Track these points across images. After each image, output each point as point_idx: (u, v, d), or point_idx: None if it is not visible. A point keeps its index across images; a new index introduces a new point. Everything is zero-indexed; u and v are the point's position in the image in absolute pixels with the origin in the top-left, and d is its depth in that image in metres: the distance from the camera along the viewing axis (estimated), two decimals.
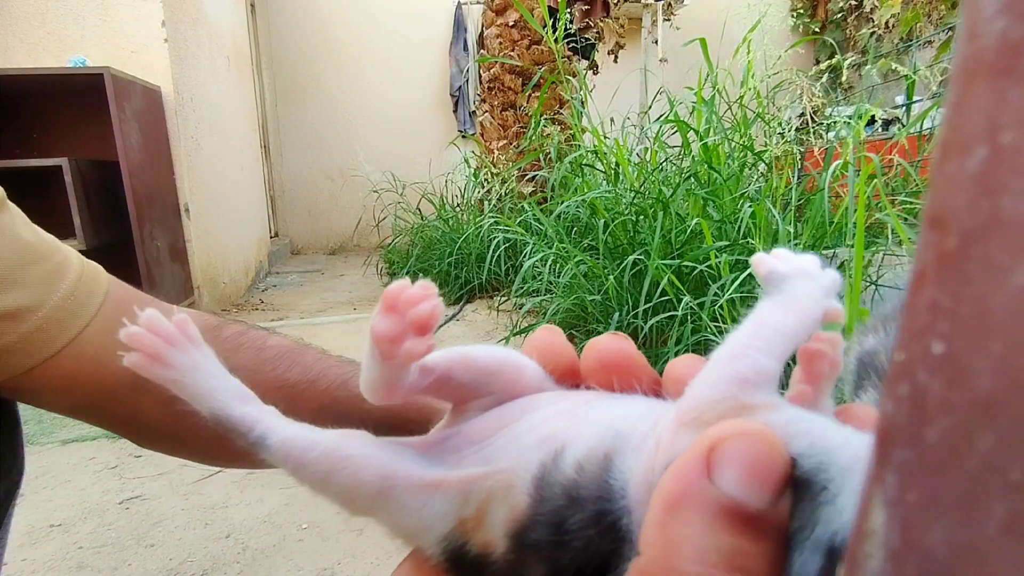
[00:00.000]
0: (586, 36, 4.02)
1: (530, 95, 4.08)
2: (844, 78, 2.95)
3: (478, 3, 5.18)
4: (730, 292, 1.61)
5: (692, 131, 2.18)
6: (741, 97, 2.23)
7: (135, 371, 0.26)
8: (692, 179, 2.11)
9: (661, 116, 2.37)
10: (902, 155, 2.00)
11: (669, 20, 4.90)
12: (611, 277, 2.05)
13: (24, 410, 0.53)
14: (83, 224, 2.39)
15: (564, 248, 2.38)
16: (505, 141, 4.18)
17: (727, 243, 1.84)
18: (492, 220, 3.29)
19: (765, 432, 0.16)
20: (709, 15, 4.62)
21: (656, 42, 4.79)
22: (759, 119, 2.21)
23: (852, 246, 1.28)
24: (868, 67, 2.58)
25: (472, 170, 3.94)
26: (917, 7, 4.01)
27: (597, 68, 4.26)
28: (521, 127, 4.11)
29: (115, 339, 0.42)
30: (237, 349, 0.51)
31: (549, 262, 2.37)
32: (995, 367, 0.09)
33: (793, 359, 0.23)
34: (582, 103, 2.78)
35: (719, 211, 2.04)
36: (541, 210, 2.78)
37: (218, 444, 0.46)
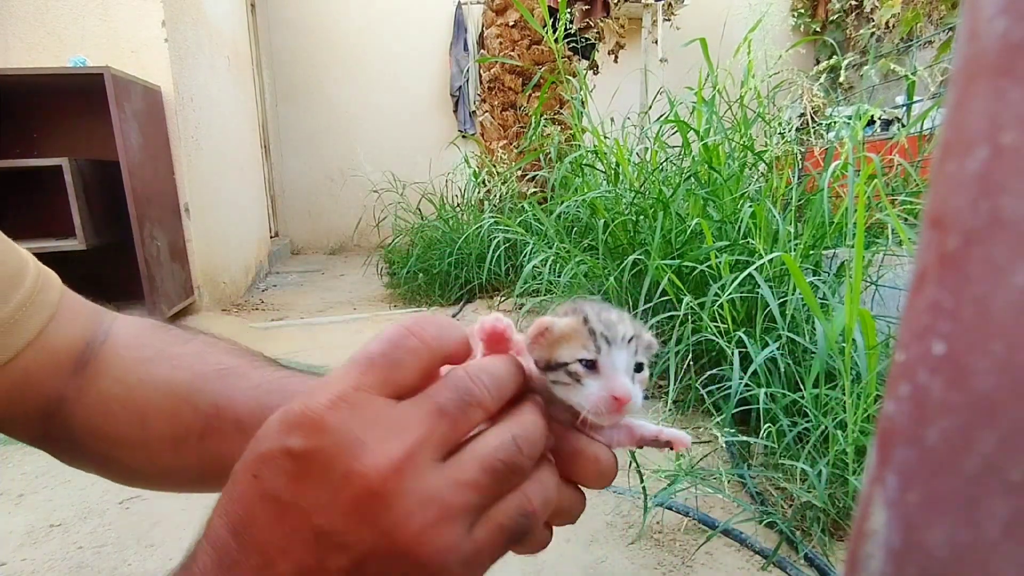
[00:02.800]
0: (586, 36, 4.02)
1: (530, 95, 4.08)
2: (844, 78, 2.95)
3: (478, 3, 5.18)
4: (730, 292, 1.61)
5: (692, 131, 2.18)
6: (741, 97, 2.23)
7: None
8: (692, 179, 2.11)
9: (661, 116, 2.37)
10: (902, 155, 2.00)
11: (669, 20, 4.90)
12: (611, 277, 2.05)
13: None
14: (83, 224, 2.39)
15: (564, 248, 2.38)
16: (505, 141, 4.18)
17: (727, 243, 1.84)
18: (492, 220, 3.29)
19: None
20: (709, 15, 4.62)
21: (656, 42, 4.79)
22: (759, 119, 2.21)
23: (852, 246, 1.28)
24: (868, 67, 2.58)
25: (472, 170, 3.94)
26: (917, 7, 4.01)
27: (597, 68, 4.26)
28: (521, 127, 4.11)
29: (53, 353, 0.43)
30: (186, 342, 0.49)
31: (549, 262, 2.37)
32: (996, 367, 0.09)
33: None
34: (582, 103, 2.78)
35: (719, 211, 2.04)
36: (541, 210, 2.78)
37: (148, 462, 0.45)
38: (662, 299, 1.88)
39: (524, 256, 2.63)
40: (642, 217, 2.20)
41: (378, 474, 0.24)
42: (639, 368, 0.34)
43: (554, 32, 2.51)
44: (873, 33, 4.97)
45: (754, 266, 1.58)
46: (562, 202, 2.57)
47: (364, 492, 0.24)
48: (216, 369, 0.46)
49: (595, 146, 2.55)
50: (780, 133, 2.21)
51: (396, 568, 0.25)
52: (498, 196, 3.67)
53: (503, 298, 3.15)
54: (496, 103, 4.25)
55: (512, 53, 4.02)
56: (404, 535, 0.24)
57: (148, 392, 0.45)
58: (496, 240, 3.10)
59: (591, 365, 0.33)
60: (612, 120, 2.64)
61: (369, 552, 0.24)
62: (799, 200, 2.03)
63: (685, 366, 1.75)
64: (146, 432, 0.44)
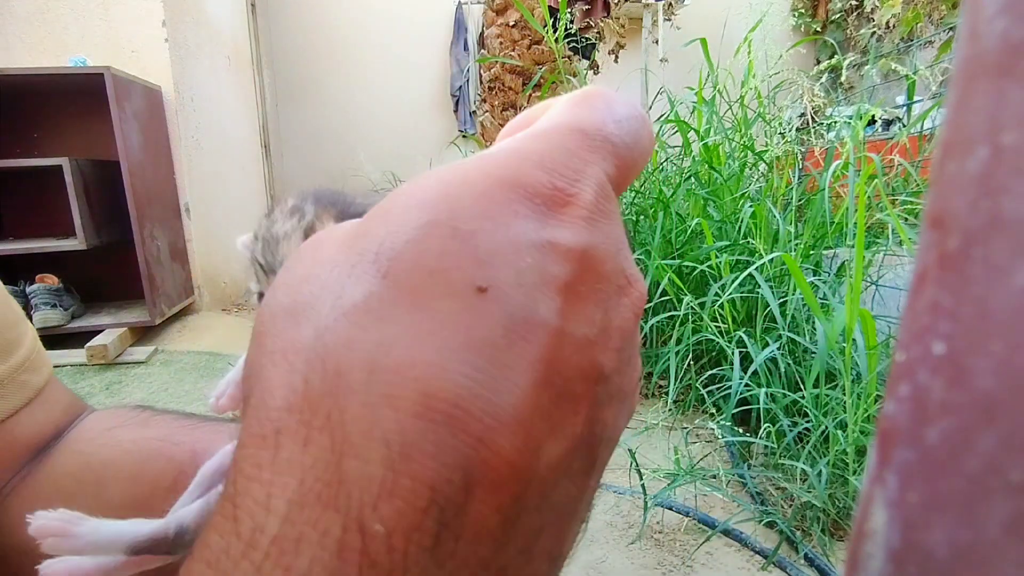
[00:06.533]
0: (587, 36, 4.02)
1: (531, 95, 4.07)
2: (844, 78, 2.95)
3: (478, 3, 5.18)
4: (731, 292, 1.61)
5: (693, 131, 2.18)
6: (742, 97, 2.23)
7: (55, 552, 0.30)
8: (693, 179, 2.11)
9: (662, 116, 2.37)
10: (903, 155, 2.00)
11: (670, 20, 4.89)
12: None
13: None
14: (83, 224, 2.40)
15: None
16: None
17: (728, 243, 1.84)
18: None
19: None
20: (710, 15, 4.62)
21: (657, 42, 4.79)
22: (760, 119, 2.20)
23: (853, 246, 1.28)
24: (869, 67, 2.57)
25: None
26: (918, 7, 4.00)
27: (598, 68, 4.25)
28: None
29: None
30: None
31: None
32: (996, 367, 0.09)
33: None
34: None
35: (720, 211, 2.04)
36: None
37: None
38: (662, 299, 1.88)
39: None
40: (642, 217, 2.20)
41: (642, 298, 0.18)
42: None
43: (554, 32, 2.51)
44: (874, 33, 4.97)
45: (754, 266, 1.58)
46: None
47: (633, 320, 0.18)
48: (197, 420, 0.43)
49: None
50: (780, 133, 2.21)
51: (623, 415, 0.19)
52: None
53: None
54: (496, 103, 4.25)
55: (512, 53, 4.02)
56: (637, 372, 0.19)
57: (109, 456, 0.41)
58: None
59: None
60: None
61: (625, 399, 0.18)
62: (799, 200, 2.03)
63: (685, 366, 1.75)
64: (100, 502, 0.38)
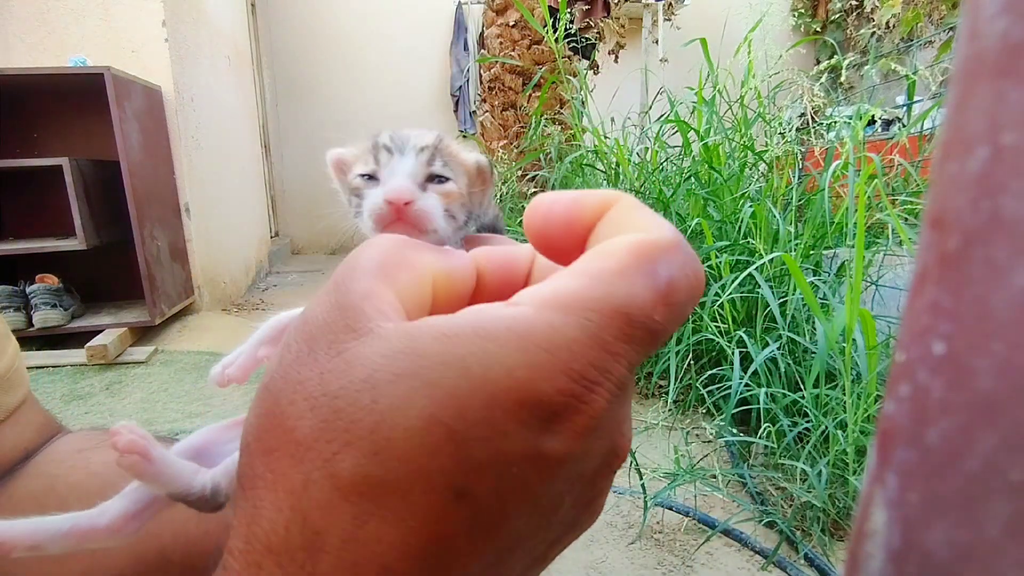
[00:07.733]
0: (586, 36, 4.01)
1: (531, 95, 4.07)
2: (844, 78, 2.95)
3: (478, 3, 5.18)
4: (731, 292, 1.61)
5: (692, 131, 2.18)
6: (742, 97, 2.23)
7: (130, 471, 0.29)
8: (692, 179, 2.11)
9: (662, 116, 2.37)
10: (903, 155, 2.00)
11: (670, 20, 4.90)
12: None
13: None
14: (83, 224, 2.39)
15: None
16: (506, 141, 4.17)
17: (728, 243, 1.84)
18: None
19: None
20: (710, 15, 4.62)
21: (657, 42, 4.79)
22: (760, 119, 2.20)
23: (853, 246, 1.28)
24: (869, 67, 2.57)
25: None
26: (918, 7, 4.00)
27: (598, 68, 4.25)
28: (522, 127, 4.11)
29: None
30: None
31: None
32: (996, 367, 0.09)
33: None
34: (582, 103, 2.78)
35: (719, 211, 2.04)
36: None
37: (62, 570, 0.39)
38: None
39: None
40: None
41: (622, 461, 0.21)
42: (441, 180, 0.30)
43: (554, 32, 2.51)
44: (873, 33, 4.97)
45: (754, 266, 1.58)
46: None
47: (605, 479, 0.21)
48: (170, 443, 0.40)
49: (595, 146, 2.55)
50: (780, 133, 2.21)
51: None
52: (498, 196, 3.66)
53: None
54: (496, 103, 4.24)
55: (512, 53, 4.02)
56: (590, 508, 0.22)
57: (76, 479, 0.40)
58: None
59: (372, 178, 0.30)
60: (612, 120, 2.64)
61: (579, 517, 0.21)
62: (799, 200, 2.02)
63: (685, 366, 1.75)
64: None
